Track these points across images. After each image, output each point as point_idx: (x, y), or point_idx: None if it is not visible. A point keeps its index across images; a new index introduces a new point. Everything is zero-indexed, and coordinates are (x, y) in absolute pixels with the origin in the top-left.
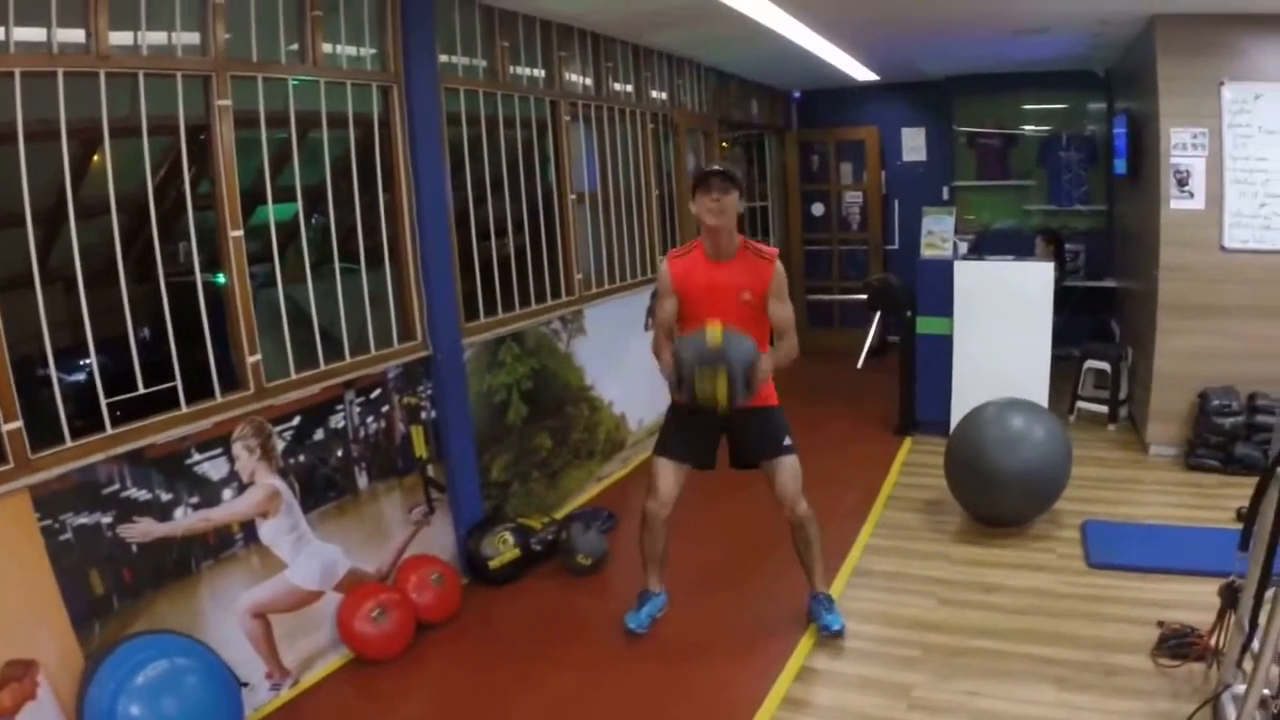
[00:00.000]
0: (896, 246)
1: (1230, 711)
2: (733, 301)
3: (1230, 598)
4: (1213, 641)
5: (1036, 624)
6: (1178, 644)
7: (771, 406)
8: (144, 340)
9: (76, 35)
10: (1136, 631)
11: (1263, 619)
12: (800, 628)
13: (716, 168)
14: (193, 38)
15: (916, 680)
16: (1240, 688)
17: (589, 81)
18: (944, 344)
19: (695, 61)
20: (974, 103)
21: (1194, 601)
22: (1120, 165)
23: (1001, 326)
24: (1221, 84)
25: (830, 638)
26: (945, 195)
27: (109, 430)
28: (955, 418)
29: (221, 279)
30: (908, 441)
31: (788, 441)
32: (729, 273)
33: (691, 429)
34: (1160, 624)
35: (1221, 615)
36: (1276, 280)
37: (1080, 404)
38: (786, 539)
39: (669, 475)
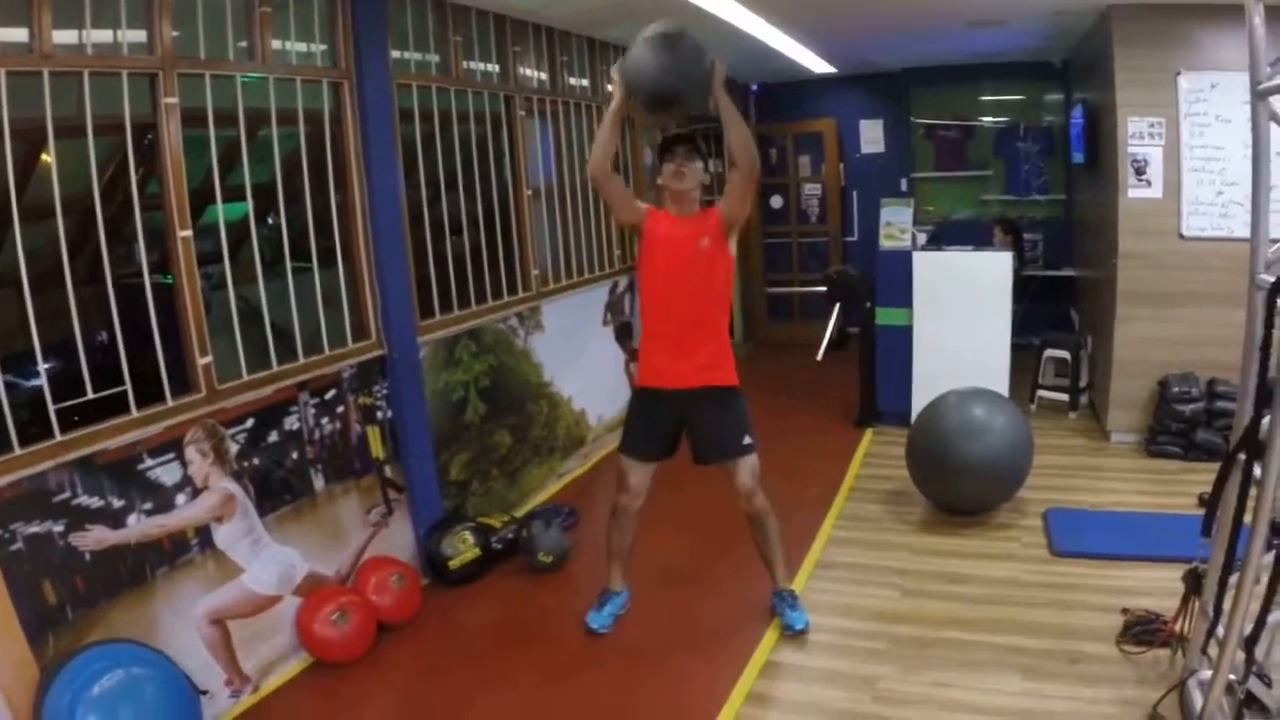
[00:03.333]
0: (856, 238)
1: (1197, 697)
2: (692, 248)
3: (1194, 583)
4: (1177, 627)
5: (1001, 613)
6: (1142, 631)
7: (731, 388)
8: (100, 344)
9: (19, 34)
10: (1101, 619)
11: (1227, 604)
12: (764, 622)
13: (681, 133)
14: (139, 35)
15: (882, 672)
16: (1206, 673)
17: (544, 76)
18: (904, 335)
19: None
20: (931, 94)
21: (1158, 588)
22: (1078, 155)
23: (961, 316)
24: (1178, 74)
25: (794, 636)
26: (904, 187)
27: (58, 437)
28: (916, 408)
29: (169, 280)
30: (869, 433)
31: (747, 440)
32: (687, 225)
33: (653, 422)
34: (1125, 611)
35: (1186, 601)
36: (1235, 268)
37: (1041, 393)
38: (747, 533)
39: (638, 470)
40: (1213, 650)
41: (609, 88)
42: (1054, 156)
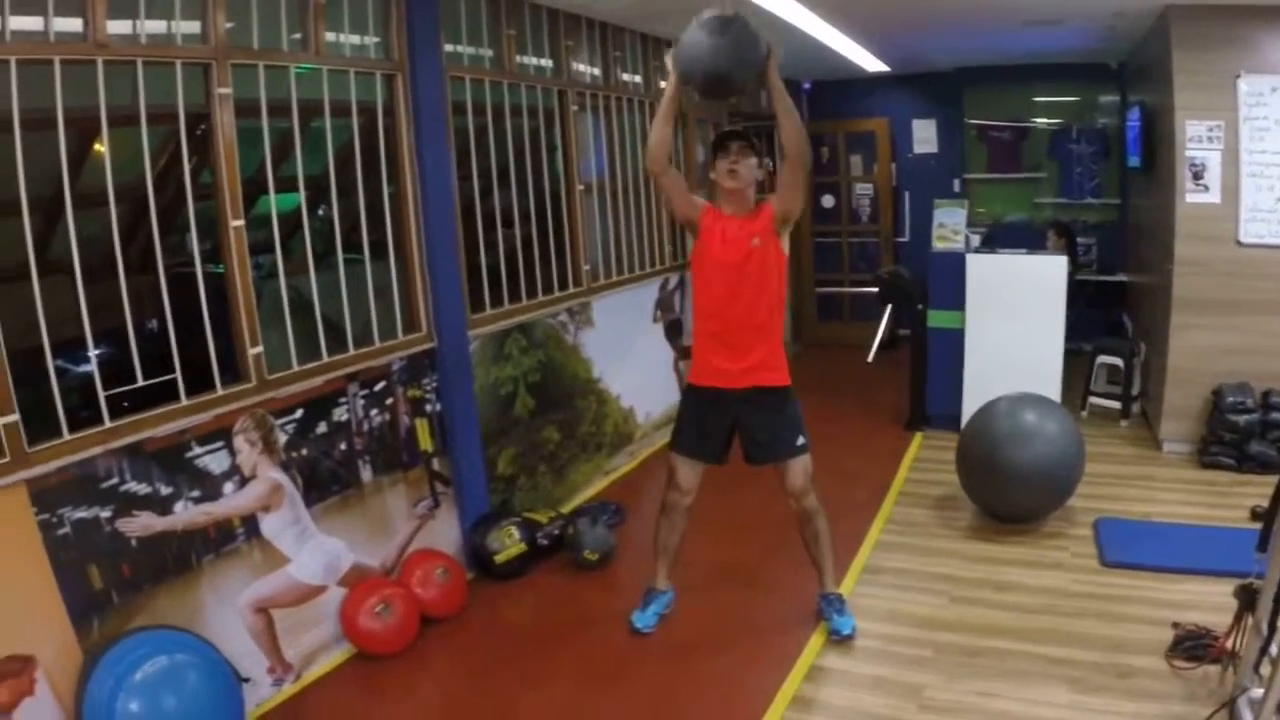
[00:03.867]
0: (907, 239)
1: (1247, 716)
2: (745, 246)
3: (1247, 599)
4: (1229, 644)
5: (1049, 623)
6: (1193, 646)
7: (784, 388)
8: (151, 332)
9: (74, 24)
10: (1151, 632)
11: None
12: (810, 625)
13: (735, 130)
14: (193, 26)
15: (928, 680)
16: (1257, 692)
17: (597, 71)
18: (955, 338)
19: None
20: (985, 95)
21: (1209, 602)
22: (1134, 158)
23: (1014, 320)
24: (1238, 77)
25: (840, 640)
26: (956, 188)
27: (107, 423)
28: (967, 412)
29: (221, 269)
30: (918, 436)
31: (801, 441)
32: (740, 224)
33: (705, 421)
34: (1175, 625)
35: (1238, 617)
36: None
37: (1092, 400)
38: (796, 533)
39: (687, 468)
40: (1265, 668)
41: (662, 84)
42: (1108, 159)
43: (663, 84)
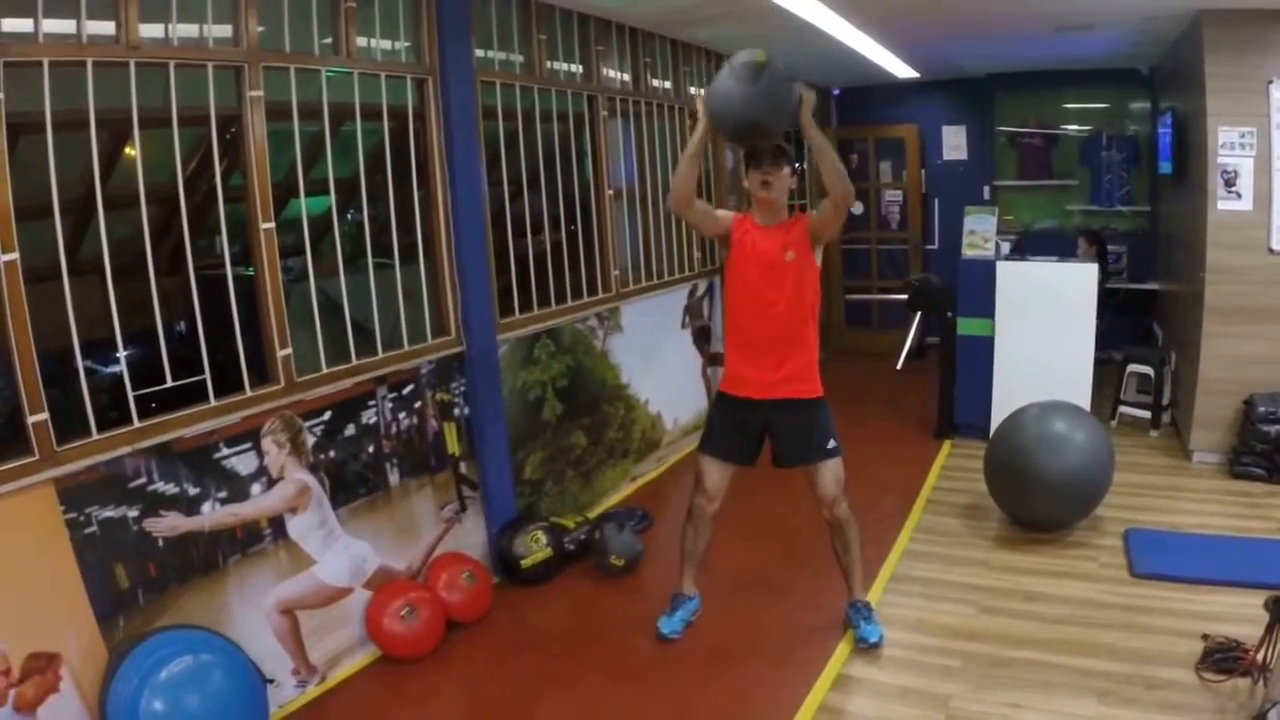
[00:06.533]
0: (936, 246)
1: None
2: (779, 259)
3: (1278, 611)
4: (1259, 656)
5: (1078, 634)
6: (1223, 658)
7: (816, 399)
8: (180, 333)
9: (106, 27)
10: (1180, 644)
11: None
12: (838, 634)
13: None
14: (224, 30)
15: (955, 690)
16: None
17: (627, 77)
18: (985, 346)
19: None
20: (1015, 101)
21: (1239, 614)
22: (1166, 165)
23: (1044, 329)
24: (1270, 82)
25: (867, 649)
26: (986, 195)
27: (135, 423)
28: (995, 421)
29: (250, 271)
30: (947, 444)
31: (832, 444)
32: (774, 235)
33: (735, 424)
34: (1205, 637)
35: (1269, 630)
36: None
37: (1122, 409)
38: (824, 540)
39: (715, 471)
40: None
41: (694, 93)
42: (1139, 166)
43: (694, 91)
